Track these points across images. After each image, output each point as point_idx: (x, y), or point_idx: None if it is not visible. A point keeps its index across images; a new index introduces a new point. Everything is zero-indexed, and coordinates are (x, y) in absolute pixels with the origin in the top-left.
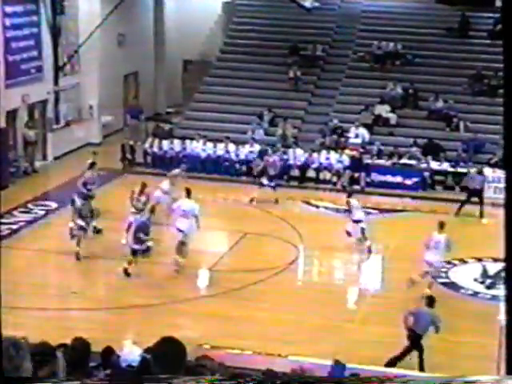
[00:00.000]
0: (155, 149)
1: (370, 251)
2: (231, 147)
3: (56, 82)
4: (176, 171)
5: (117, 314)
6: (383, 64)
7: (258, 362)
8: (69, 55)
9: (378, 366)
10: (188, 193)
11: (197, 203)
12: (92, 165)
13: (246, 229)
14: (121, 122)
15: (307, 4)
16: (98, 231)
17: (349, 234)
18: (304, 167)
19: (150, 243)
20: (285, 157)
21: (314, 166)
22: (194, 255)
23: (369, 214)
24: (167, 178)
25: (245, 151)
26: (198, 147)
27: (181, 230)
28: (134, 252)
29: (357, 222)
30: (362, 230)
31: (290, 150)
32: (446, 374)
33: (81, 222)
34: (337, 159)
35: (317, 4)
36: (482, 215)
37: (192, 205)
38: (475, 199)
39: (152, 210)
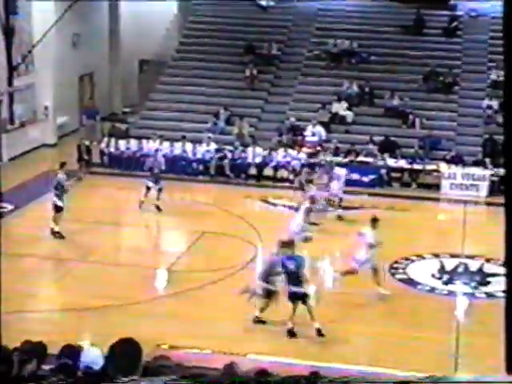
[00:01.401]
0: (112, 149)
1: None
2: (188, 146)
3: (10, 83)
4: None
5: (74, 315)
6: (339, 62)
7: (216, 361)
8: (23, 55)
9: (337, 364)
10: (374, 222)
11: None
12: (62, 165)
13: (204, 228)
14: (76, 122)
15: (263, 2)
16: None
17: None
18: (262, 166)
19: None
20: (243, 155)
21: (272, 164)
22: (151, 255)
23: (326, 211)
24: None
25: (201, 150)
26: (155, 147)
27: (358, 261)
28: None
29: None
30: None
31: (249, 149)
32: (406, 370)
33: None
34: (294, 157)
35: (272, 3)
36: None
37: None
38: (430, 195)
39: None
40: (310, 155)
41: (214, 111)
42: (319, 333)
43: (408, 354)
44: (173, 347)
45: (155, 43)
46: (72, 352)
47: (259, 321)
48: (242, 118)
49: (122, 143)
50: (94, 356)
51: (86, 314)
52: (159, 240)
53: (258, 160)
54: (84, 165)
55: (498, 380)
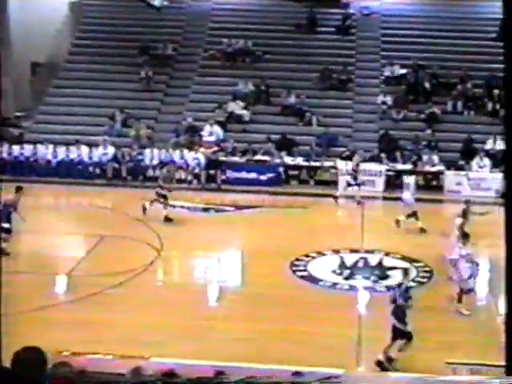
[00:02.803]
0: (5, 154)
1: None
2: (84, 150)
3: None
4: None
5: None
6: (234, 61)
7: (120, 366)
8: None
9: (241, 363)
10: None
11: None
12: (18, 189)
13: (103, 232)
14: None
15: (156, 3)
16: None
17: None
18: (160, 167)
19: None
20: (140, 157)
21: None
22: (50, 261)
23: (226, 211)
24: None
25: (98, 153)
26: (50, 151)
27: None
28: None
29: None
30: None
31: (147, 151)
32: (310, 366)
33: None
34: (192, 158)
35: (166, 3)
36: None
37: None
38: (328, 192)
39: None
40: (208, 155)
41: (110, 114)
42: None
43: (311, 350)
44: (75, 353)
45: (47, 45)
46: None
47: None
48: (138, 120)
49: (16, 148)
50: None
51: None
52: (58, 245)
53: (155, 162)
54: None
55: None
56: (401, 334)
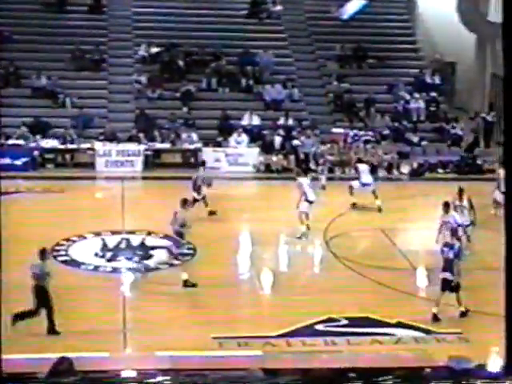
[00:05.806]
0: None
1: (380, 210)
2: None
3: None
4: None
5: None
6: None
7: None
8: None
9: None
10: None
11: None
12: (185, 202)
13: None
14: None
15: None
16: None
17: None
18: None
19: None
20: None
21: None
22: None
23: None
24: None
25: None
26: None
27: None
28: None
29: (365, 185)
30: (373, 191)
31: None
32: (74, 352)
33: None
34: None
35: None
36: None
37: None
38: (86, 174)
39: None
40: None
41: None
42: (462, 315)
43: (78, 335)
44: None
45: None
46: None
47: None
48: None
49: None
50: None
51: None
52: None
53: None
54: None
55: None
56: (450, 287)
